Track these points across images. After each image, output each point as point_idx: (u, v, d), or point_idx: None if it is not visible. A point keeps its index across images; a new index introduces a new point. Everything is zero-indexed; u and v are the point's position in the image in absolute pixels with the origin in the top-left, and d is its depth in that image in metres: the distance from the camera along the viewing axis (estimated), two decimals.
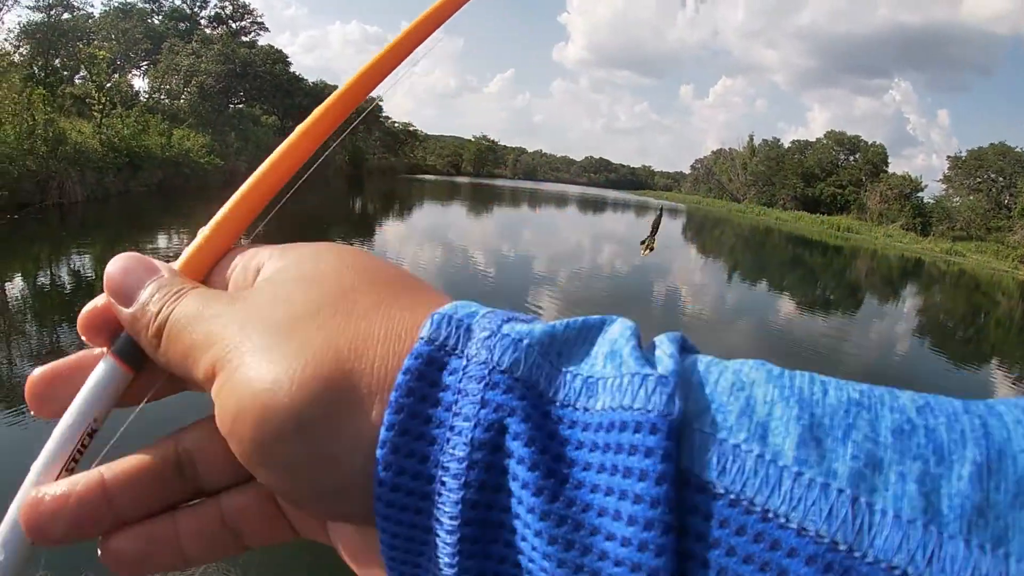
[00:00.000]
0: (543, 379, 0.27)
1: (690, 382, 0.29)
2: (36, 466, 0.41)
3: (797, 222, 65.25)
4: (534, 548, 0.26)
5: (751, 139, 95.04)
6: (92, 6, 39.45)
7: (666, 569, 0.22)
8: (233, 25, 62.90)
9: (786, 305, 18.68)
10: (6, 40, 21.77)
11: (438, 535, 0.28)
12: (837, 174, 77.11)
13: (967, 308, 24.43)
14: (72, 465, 0.43)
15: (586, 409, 0.25)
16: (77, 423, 0.41)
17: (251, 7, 65.03)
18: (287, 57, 63.04)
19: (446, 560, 0.28)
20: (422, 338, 0.32)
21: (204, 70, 45.31)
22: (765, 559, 0.21)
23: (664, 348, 0.33)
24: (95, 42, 36.92)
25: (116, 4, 48.91)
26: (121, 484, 0.40)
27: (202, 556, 0.41)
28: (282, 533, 0.44)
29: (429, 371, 0.30)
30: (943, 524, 0.21)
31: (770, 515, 0.22)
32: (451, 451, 0.28)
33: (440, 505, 0.28)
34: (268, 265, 0.42)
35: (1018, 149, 59.44)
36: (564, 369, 0.27)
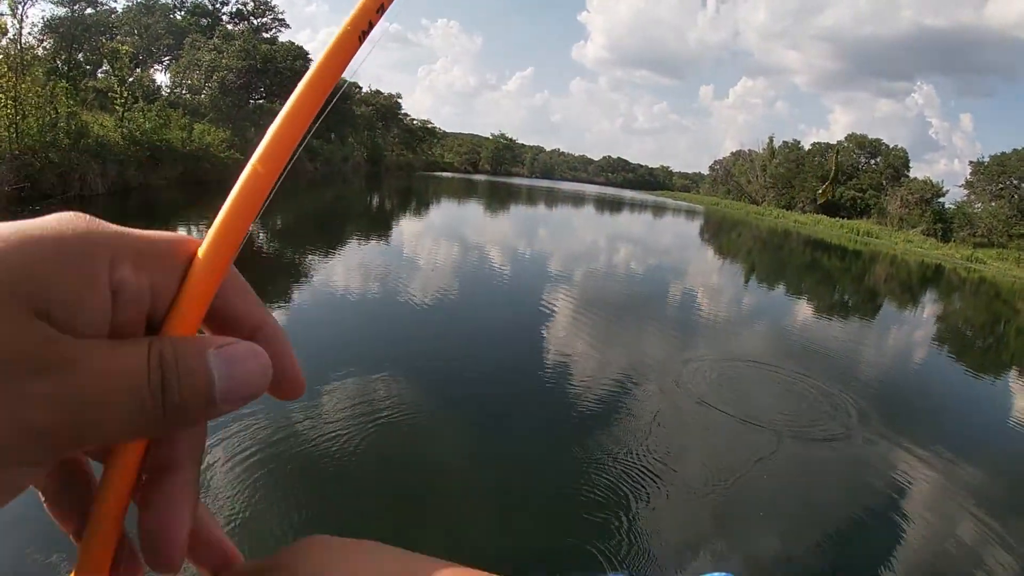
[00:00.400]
0: None
1: None
2: None
3: (816, 226, 64.92)
4: None
5: (771, 141, 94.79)
6: (115, 1, 39.85)
7: None
8: (254, 21, 63.25)
9: (803, 309, 18.58)
10: (30, 34, 22.01)
11: None
12: (858, 178, 76.63)
13: (987, 316, 24.19)
14: None
15: None
16: None
17: (272, 4, 65.40)
18: (308, 53, 63.26)
19: None
20: None
21: (225, 66, 45.59)
22: None
23: None
24: (118, 37, 37.39)
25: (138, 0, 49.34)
26: None
27: None
28: None
29: None
30: None
31: None
32: None
33: None
34: None
35: None
36: None
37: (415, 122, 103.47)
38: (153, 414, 0.27)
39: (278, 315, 10.40)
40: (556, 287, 15.42)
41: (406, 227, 26.77)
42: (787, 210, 79.40)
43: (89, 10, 34.44)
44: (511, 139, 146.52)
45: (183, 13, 57.12)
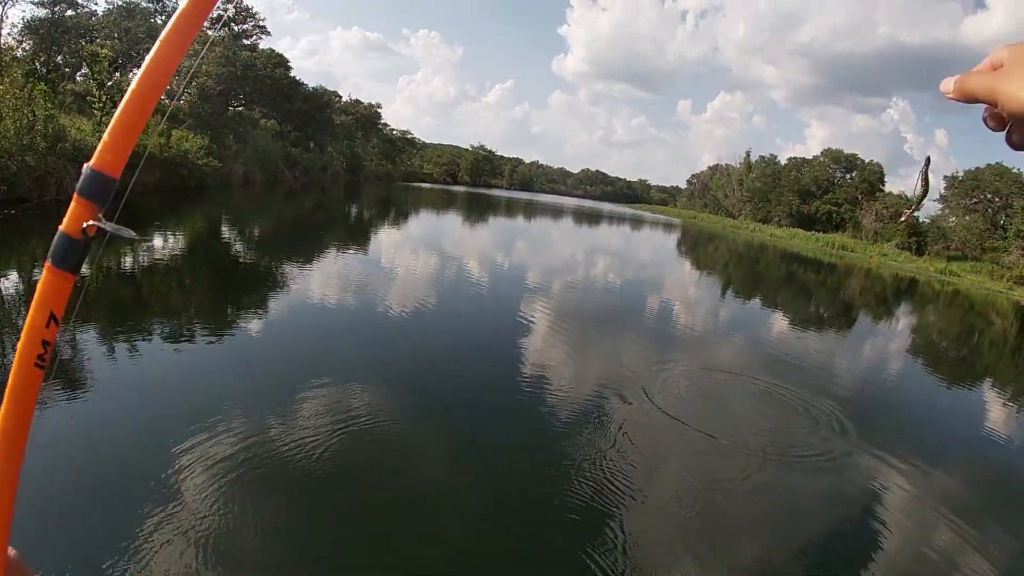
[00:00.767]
0: None
1: None
2: None
3: (792, 239, 65.47)
4: None
5: (748, 155, 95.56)
6: (96, 4, 39.59)
7: None
8: (235, 28, 62.95)
9: (779, 321, 18.76)
10: (9, 35, 21.79)
11: None
12: (833, 192, 77.39)
13: (961, 328, 24.52)
14: None
15: None
16: None
17: (254, 11, 65.13)
18: (288, 61, 63.20)
19: None
20: None
21: (205, 72, 45.28)
22: None
23: None
24: (98, 40, 37.01)
25: (120, 3, 48.97)
26: None
27: None
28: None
29: None
30: None
31: None
32: None
33: None
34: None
35: (1015, 170, 59.95)
36: None
37: (395, 132, 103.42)
38: None
39: (255, 325, 10.39)
40: (533, 299, 15.47)
41: (384, 238, 26.76)
42: (763, 224, 80.00)
43: (69, 12, 34.16)
44: (490, 151, 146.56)
45: (164, 17, 56.73)
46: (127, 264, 13.83)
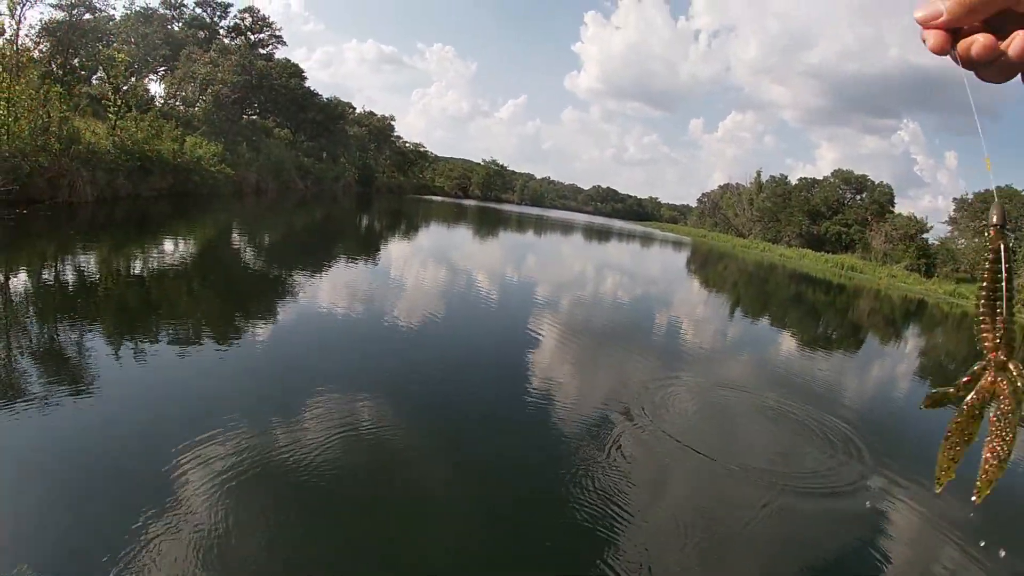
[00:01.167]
0: None
1: None
2: None
3: (801, 259, 65.32)
4: None
5: (758, 175, 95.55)
6: (113, 8, 39.88)
7: None
8: (251, 37, 63.49)
9: (787, 341, 18.68)
10: (27, 36, 21.97)
11: None
12: (843, 213, 77.28)
13: (969, 351, 24.36)
14: None
15: None
16: None
17: (270, 20, 65.72)
18: (303, 71, 63.64)
19: None
20: None
21: (220, 79, 45.63)
22: None
23: None
24: (114, 44, 37.32)
25: (137, 8, 49.45)
26: None
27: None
28: None
29: None
30: None
31: None
32: None
33: None
34: None
35: None
36: None
37: (407, 145, 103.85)
38: None
39: (261, 332, 10.42)
40: (541, 314, 15.46)
41: (394, 250, 26.82)
42: (773, 243, 79.84)
43: (87, 16, 34.47)
44: (502, 165, 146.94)
45: (181, 24, 57.29)
46: (135, 268, 13.89)
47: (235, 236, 23.06)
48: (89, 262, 13.57)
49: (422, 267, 21.05)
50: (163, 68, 48.97)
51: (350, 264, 19.15)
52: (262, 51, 62.28)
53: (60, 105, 20.97)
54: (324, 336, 10.51)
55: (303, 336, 10.30)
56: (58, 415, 5.88)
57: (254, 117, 56.11)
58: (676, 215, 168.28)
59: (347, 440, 6.28)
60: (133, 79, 36.82)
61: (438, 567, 4.74)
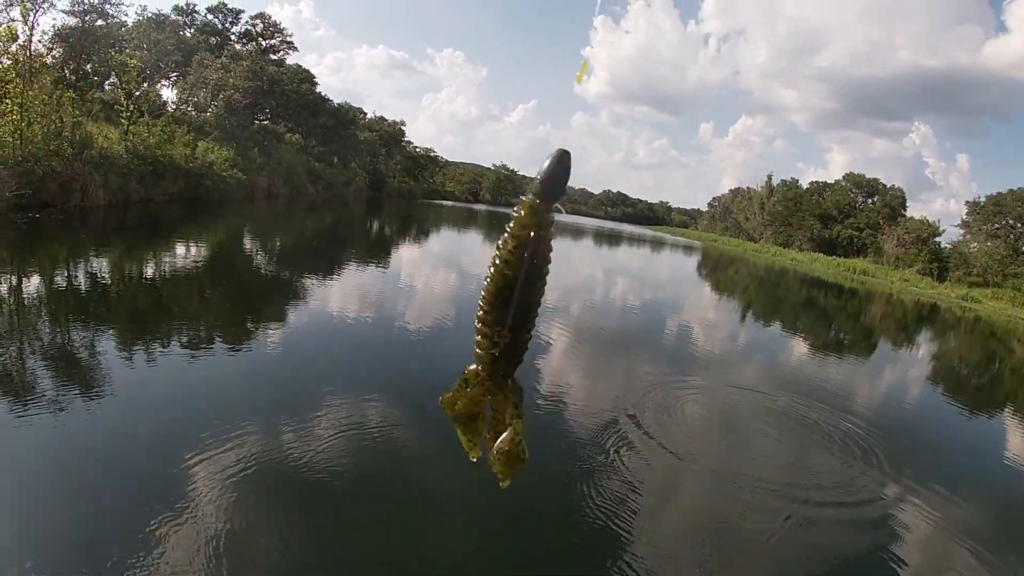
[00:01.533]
0: None
1: None
2: None
3: (813, 264, 65.07)
4: None
5: (769, 179, 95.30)
6: (126, 15, 39.95)
7: None
8: (263, 43, 63.79)
9: (799, 346, 18.59)
10: (40, 42, 22.12)
11: None
12: (855, 216, 76.96)
13: (982, 354, 24.24)
14: None
15: None
16: None
17: (281, 26, 66.06)
18: (314, 77, 63.95)
19: None
20: None
21: (232, 85, 45.79)
22: None
23: None
24: (127, 50, 37.52)
25: (149, 15, 49.70)
26: None
27: None
28: None
29: None
30: None
31: None
32: None
33: None
34: None
35: None
36: None
37: (418, 150, 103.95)
38: None
39: (272, 336, 10.45)
40: (551, 318, 15.43)
41: (405, 254, 26.85)
42: (784, 248, 79.55)
43: (100, 22, 34.65)
44: (512, 170, 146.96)
45: (193, 31, 57.59)
46: (148, 272, 13.96)
47: (247, 240, 23.16)
48: (102, 266, 13.65)
49: (432, 271, 21.08)
50: (175, 74, 49.19)
51: (361, 268, 19.19)
52: (273, 57, 62.57)
53: (73, 110, 21.10)
54: (334, 340, 10.52)
55: (314, 340, 10.32)
56: (74, 416, 5.90)
57: (265, 122, 56.30)
58: (687, 219, 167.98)
59: (357, 443, 6.29)
60: (145, 84, 37.04)
61: (446, 568, 4.73)
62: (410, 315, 13.03)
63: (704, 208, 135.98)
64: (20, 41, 20.31)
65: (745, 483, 6.90)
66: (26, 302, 9.90)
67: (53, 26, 31.89)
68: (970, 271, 58.27)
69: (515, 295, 0.84)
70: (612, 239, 67.71)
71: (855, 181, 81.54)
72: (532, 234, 0.80)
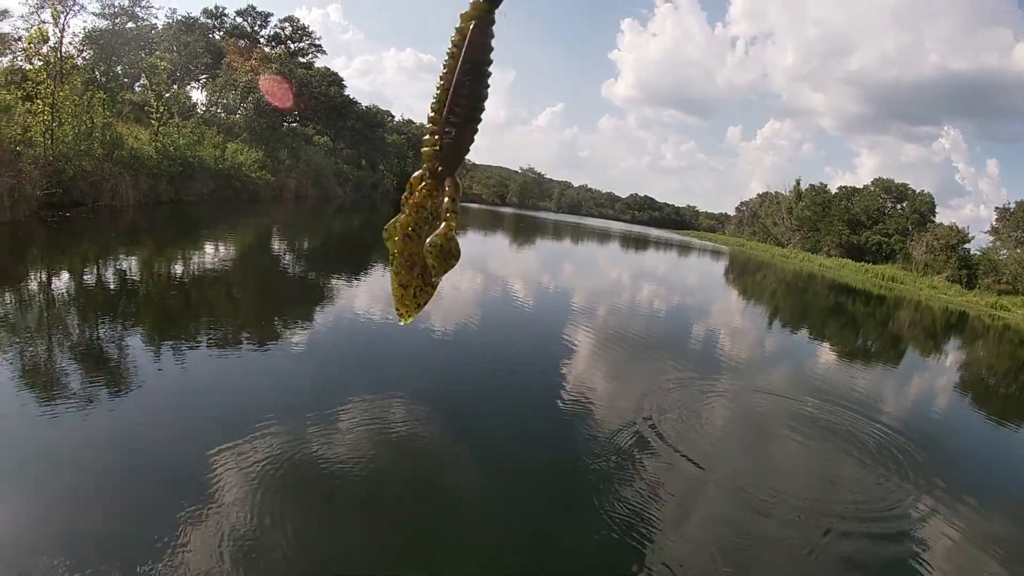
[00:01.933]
0: None
1: None
2: None
3: (841, 269, 64.35)
4: None
5: (798, 183, 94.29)
6: (156, 17, 40.40)
7: None
8: (291, 46, 64.23)
9: (826, 352, 18.41)
10: (70, 44, 22.40)
11: None
12: (884, 222, 76.02)
13: (1011, 364, 23.84)
14: None
15: None
16: None
17: (310, 29, 66.48)
18: (342, 80, 64.14)
19: None
20: None
21: (261, 87, 46.14)
22: None
23: None
24: (157, 52, 37.93)
25: (179, 17, 50.28)
26: None
27: None
28: None
29: None
30: None
31: None
32: None
33: None
34: None
35: None
36: None
37: None
38: None
39: (299, 335, 10.52)
40: (576, 322, 15.42)
41: None
42: (813, 253, 78.77)
43: (130, 24, 35.05)
44: (539, 173, 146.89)
45: (222, 33, 58.14)
46: (176, 271, 14.11)
47: (275, 241, 23.33)
48: (131, 264, 13.82)
49: (458, 274, 21.09)
50: (205, 76, 49.69)
51: (388, 269, 19.26)
52: (302, 59, 62.96)
53: (103, 111, 21.40)
54: (359, 339, 10.58)
55: (340, 339, 10.37)
56: (101, 411, 5.98)
57: (294, 124, 56.65)
58: (714, 224, 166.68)
59: (381, 443, 6.31)
60: (175, 86, 37.46)
61: (467, 568, 4.73)
62: (435, 316, 13.05)
63: (732, 212, 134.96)
64: (51, 43, 20.60)
65: (777, 494, 6.84)
66: (56, 298, 10.04)
67: (84, 28, 32.34)
68: (999, 278, 57.25)
69: (453, 83, 0.87)
70: (639, 243, 67.48)
71: (884, 186, 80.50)
72: (472, 25, 0.84)
